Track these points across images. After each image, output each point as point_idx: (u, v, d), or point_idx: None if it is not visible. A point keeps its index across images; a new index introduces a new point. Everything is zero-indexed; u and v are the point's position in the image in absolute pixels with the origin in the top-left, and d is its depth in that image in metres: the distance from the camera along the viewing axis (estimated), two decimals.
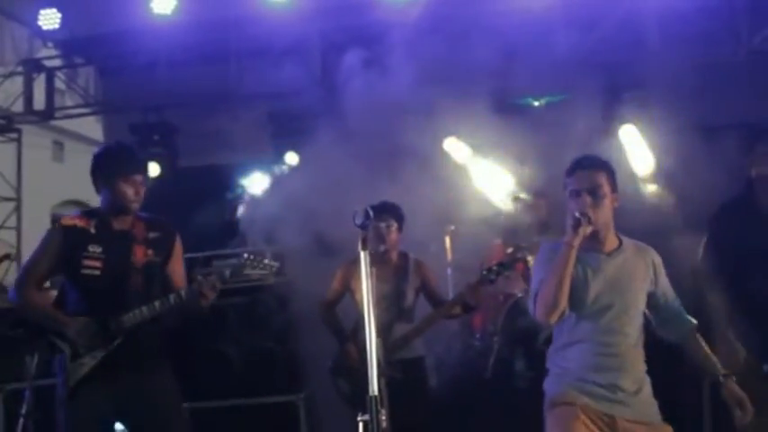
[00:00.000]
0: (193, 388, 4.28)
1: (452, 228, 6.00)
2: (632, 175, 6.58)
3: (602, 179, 2.77)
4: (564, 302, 2.68)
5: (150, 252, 3.20)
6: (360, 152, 5.90)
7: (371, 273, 3.84)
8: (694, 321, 2.90)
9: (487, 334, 5.84)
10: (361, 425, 2.14)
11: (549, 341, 5.58)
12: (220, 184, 7.37)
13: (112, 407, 3.09)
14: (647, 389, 2.77)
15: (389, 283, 4.18)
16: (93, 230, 3.19)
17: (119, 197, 3.16)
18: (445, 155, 6.35)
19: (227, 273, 3.19)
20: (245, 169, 7.25)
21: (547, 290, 2.68)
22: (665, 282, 2.87)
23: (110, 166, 3.20)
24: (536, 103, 6.47)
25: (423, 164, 5.68)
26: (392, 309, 4.16)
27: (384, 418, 2.19)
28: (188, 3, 6.75)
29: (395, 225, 4.25)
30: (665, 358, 3.12)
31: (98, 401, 3.04)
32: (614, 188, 2.81)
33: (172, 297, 3.12)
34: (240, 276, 3.32)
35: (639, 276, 2.81)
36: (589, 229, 2.69)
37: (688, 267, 3.96)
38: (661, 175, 6.59)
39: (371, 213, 2.25)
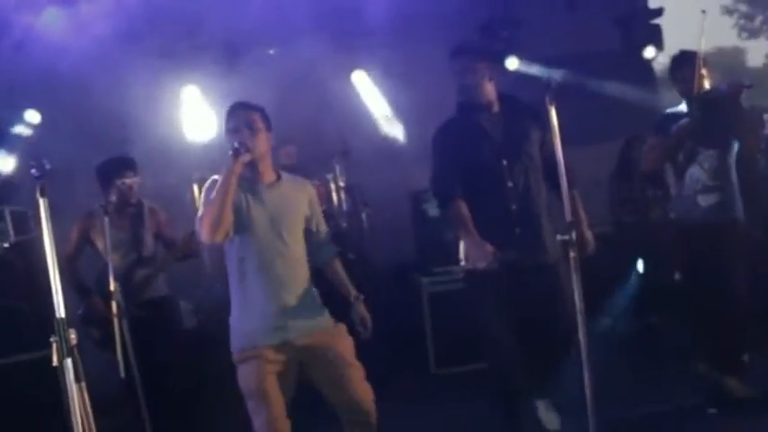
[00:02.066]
0: None
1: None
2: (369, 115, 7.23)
3: (257, 117, 3.20)
4: (227, 222, 3.05)
5: None
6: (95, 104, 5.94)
7: (105, 222, 4.11)
8: (336, 249, 3.47)
9: None
10: (54, 345, 2.39)
11: None
12: None
13: None
14: (311, 300, 3.22)
15: (126, 231, 4.42)
16: None
17: None
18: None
19: None
20: None
21: (211, 210, 3.02)
22: (318, 212, 3.39)
23: None
24: (270, 52, 6.80)
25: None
26: (131, 254, 4.41)
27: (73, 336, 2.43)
28: None
29: (136, 179, 4.46)
30: None
31: None
32: (269, 127, 3.23)
33: None
34: None
35: (298, 206, 3.27)
36: (248, 157, 3.10)
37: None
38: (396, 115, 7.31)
39: (47, 166, 2.39)
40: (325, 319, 3.27)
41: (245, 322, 3.16)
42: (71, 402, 2.36)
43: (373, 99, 7.13)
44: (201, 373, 4.78)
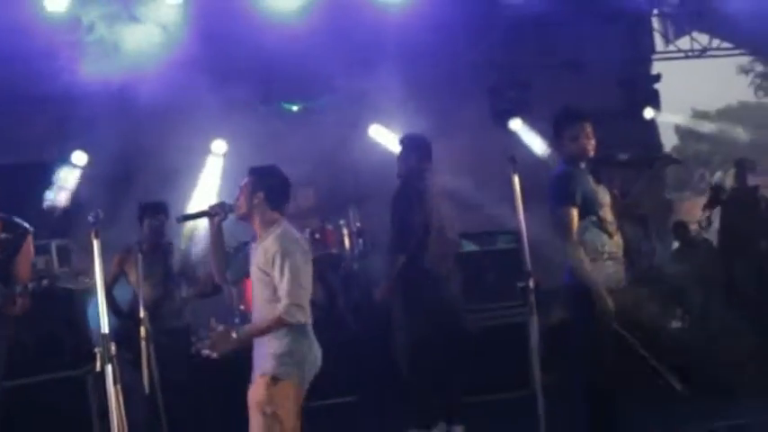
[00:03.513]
0: None
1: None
2: None
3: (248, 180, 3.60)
4: (220, 270, 3.69)
5: None
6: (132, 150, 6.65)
7: (139, 258, 4.73)
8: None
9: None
10: (98, 354, 2.98)
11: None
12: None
13: None
14: (264, 350, 3.46)
15: (156, 266, 5.05)
16: None
17: None
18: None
19: (31, 286, 3.91)
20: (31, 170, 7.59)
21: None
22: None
23: None
24: (294, 108, 7.49)
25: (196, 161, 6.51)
26: (159, 287, 5.03)
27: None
28: None
29: (163, 219, 5.11)
30: None
31: None
32: (257, 189, 3.54)
33: None
34: None
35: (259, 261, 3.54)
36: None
37: None
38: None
39: (100, 214, 3.04)
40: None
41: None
42: (109, 400, 2.90)
43: (390, 149, 7.73)
44: (214, 394, 5.33)
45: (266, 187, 3.56)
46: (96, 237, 2.95)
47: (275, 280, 3.40)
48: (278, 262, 3.39)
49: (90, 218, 2.98)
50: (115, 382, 2.97)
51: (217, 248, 3.64)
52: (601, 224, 4.03)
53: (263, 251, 3.46)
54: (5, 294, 3.84)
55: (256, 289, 3.52)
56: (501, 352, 5.78)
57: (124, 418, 3.06)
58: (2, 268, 3.94)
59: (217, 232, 3.64)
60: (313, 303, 3.71)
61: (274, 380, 3.42)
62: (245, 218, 3.59)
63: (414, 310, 4.98)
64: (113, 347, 2.99)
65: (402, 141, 5.34)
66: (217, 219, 3.63)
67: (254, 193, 3.54)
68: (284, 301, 3.37)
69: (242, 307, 6.43)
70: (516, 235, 5.92)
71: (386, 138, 7.74)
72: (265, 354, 3.48)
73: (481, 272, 6.15)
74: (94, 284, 4.03)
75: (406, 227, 4.96)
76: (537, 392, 3.56)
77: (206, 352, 3.68)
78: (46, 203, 7.30)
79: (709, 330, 6.24)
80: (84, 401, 5.69)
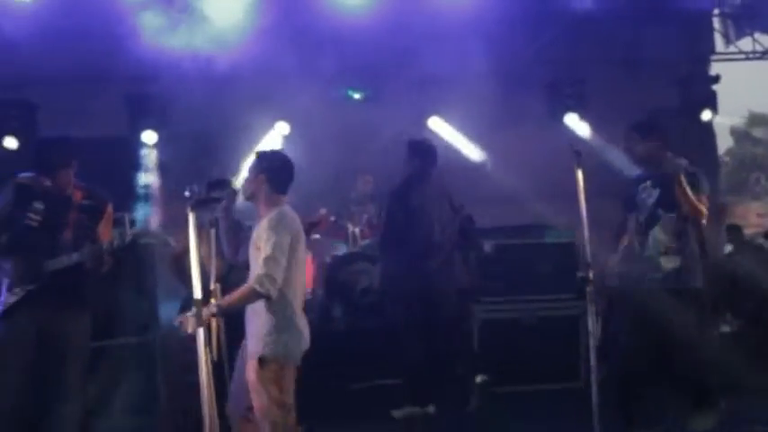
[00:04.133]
0: None
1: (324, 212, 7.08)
2: None
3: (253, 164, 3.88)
4: None
5: (83, 216, 4.09)
6: (206, 131, 6.92)
7: (211, 233, 4.97)
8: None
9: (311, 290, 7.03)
10: (189, 318, 3.20)
11: (365, 292, 6.92)
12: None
13: (34, 330, 4.01)
14: (251, 329, 3.72)
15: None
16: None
17: None
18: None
19: (116, 242, 4.14)
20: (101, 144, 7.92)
21: None
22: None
23: None
24: (356, 96, 7.67)
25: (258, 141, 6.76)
26: (226, 261, 5.26)
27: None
28: None
29: (233, 196, 5.35)
30: None
31: (23, 324, 3.96)
32: (260, 171, 3.81)
33: (74, 254, 4.07)
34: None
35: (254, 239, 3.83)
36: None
37: None
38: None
39: (197, 189, 3.28)
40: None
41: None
42: (200, 361, 3.13)
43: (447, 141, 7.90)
44: None
45: (269, 170, 3.79)
46: (192, 210, 3.17)
47: (261, 255, 3.62)
48: (264, 237, 3.64)
49: (186, 192, 3.21)
50: (206, 344, 3.19)
51: (226, 229, 3.94)
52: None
53: (259, 230, 3.72)
54: (94, 251, 4.10)
55: (252, 265, 3.74)
56: (552, 343, 5.91)
57: (212, 381, 3.28)
58: (90, 232, 4.21)
59: (225, 215, 3.95)
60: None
61: (261, 361, 3.62)
62: (251, 199, 3.85)
63: (395, 300, 5.63)
64: (206, 312, 3.20)
65: (409, 146, 5.75)
66: (224, 202, 3.92)
67: (257, 176, 3.79)
68: (258, 271, 3.58)
69: None
70: (564, 230, 6.16)
71: (444, 130, 7.89)
72: (252, 333, 3.74)
73: (532, 264, 6.28)
74: (173, 240, 4.36)
75: (394, 225, 5.56)
76: (592, 383, 3.69)
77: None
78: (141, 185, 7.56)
79: (757, 336, 6.26)
80: (150, 366, 6.02)
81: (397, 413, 5.54)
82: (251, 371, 3.65)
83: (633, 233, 4.34)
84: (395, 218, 5.62)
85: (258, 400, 3.62)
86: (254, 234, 3.76)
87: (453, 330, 5.73)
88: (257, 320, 3.67)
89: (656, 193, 4.27)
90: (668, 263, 4.20)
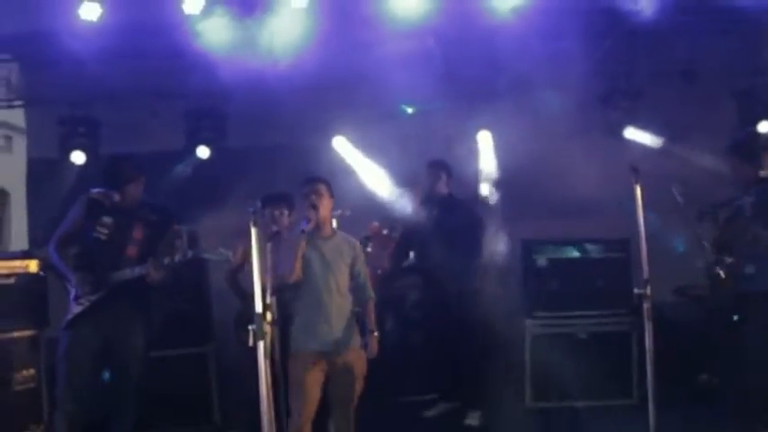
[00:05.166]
0: None
1: (340, 212, 7.22)
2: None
3: (323, 189, 4.38)
4: (298, 270, 4.23)
5: (148, 230, 4.24)
6: (263, 145, 7.07)
7: (267, 247, 5.08)
8: (372, 295, 4.55)
9: None
10: (251, 333, 3.30)
11: (416, 305, 6.97)
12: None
13: (100, 339, 4.18)
14: (348, 326, 4.38)
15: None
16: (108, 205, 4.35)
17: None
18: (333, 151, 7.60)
19: (178, 257, 4.31)
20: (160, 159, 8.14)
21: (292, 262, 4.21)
22: (361, 262, 4.48)
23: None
24: (409, 110, 7.74)
25: (314, 158, 6.87)
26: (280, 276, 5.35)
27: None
28: (112, 10, 7.56)
29: (286, 211, 5.45)
30: None
31: (88, 333, 4.14)
32: (331, 195, 4.49)
33: (137, 268, 4.23)
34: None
35: (343, 256, 4.45)
36: (310, 227, 4.25)
37: None
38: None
39: (260, 204, 3.41)
40: (355, 341, 4.39)
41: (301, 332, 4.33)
42: (260, 372, 3.21)
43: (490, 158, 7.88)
44: None
45: (332, 195, 4.55)
46: (255, 225, 3.29)
47: (360, 272, 4.53)
48: (361, 259, 4.56)
49: (249, 208, 3.32)
50: (266, 357, 3.27)
51: (299, 256, 4.34)
52: None
53: (346, 247, 4.47)
54: (156, 265, 4.25)
55: (339, 277, 4.41)
56: (604, 359, 5.85)
57: (271, 393, 3.36)
58: (154, 247, 4.37)
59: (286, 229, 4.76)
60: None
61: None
62: (320, 221, 4.40)
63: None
64: (268, 324, 3.28)
65: (430, 165, 6.28)
66: (304, 235, 4.34)
67: (330, 199, 4.50)
68: (368, 284, 4.62)
69: None
70: (619, 244, 6.12)
71: (489, 144, 7.89)
72: (347, 329, 4.42)
73: (587, 279, 6.24)
74: (232, 256, 4.52)
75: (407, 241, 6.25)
76: (649, 400, 3.65)
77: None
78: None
79: None
80: (204, 377, 6.16)
81: (429, 413, 5.86)
82: (361, 360, 4.39)
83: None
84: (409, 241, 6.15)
85: (360, 386, 4.38)
86: (340, 247, 4.45)
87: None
88: (349, 318, 4.39)
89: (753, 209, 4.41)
90: None
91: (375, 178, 7.64)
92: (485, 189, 7.72)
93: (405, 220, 6.43)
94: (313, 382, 4.26)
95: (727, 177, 7.33)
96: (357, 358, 4.41)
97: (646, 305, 3.65)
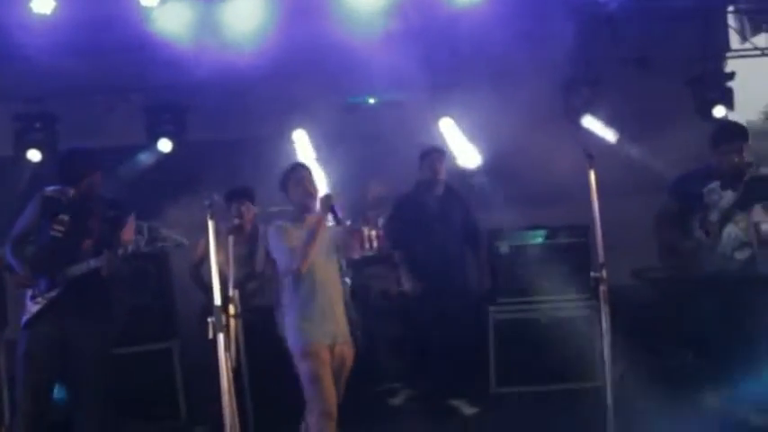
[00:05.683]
0: None
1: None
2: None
3: (311, 175, 4.42)
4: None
5: (104, 224, 4.23)
6: (224, 139, 7.02)
7: (229, 240, 5.06)
8: (347, 282, 4.91)
9: None
10: (210, 324, 3.28)
11: (382, 295, 6.97)
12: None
13: (59, 337, 4.12)
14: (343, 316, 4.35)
15: (243, 248, 5.37)
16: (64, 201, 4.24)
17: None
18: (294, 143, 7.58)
19: (131, 248, 4.25)
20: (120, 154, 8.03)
21: (309, 251, 4.11)
22: (341, 252, 4.47)
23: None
24: (371, 101, 7.73)
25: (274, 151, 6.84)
26: (245, 268, 5.35)
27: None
28: (66, 3, 7.42)
29: (248, 204, 5.45)
30: None
31: (47, 332, 4.07)
32: None
33: (91, 261, 4.17)
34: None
35: (332, 243, 4.36)
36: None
37: None
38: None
39: (217, 197, 3.38)
40: (347, 332, 4.40)
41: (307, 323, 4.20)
42: (221, 366, 3.20)
43: (458, 144, 7.90)
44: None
45: None
46: (211, 218, 3.26)
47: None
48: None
49: (206, 202, 3.30)
50: (226, 349, 3.26)
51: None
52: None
53: (337, 234, 4.34)
54: (110, 257, 4.21)
55: (329, 262, 4.35)
56: (568, 343, 5.95)
57: (233, 387, 3.36)
58: (109, 238, 4.33)
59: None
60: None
61: None
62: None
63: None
64: (227, 316, 3.27)
65: (435, 150, 6.21)
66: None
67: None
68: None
69: None
70: (581, 230, 6.20)
71: (454, 132, 7.90)
72: (341, 320, 4.39)
73: (548, 264, 6.32)
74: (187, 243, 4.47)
75: (393, 230, 6.17)
76: (607, 382, 3.72)
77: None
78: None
79: None
80: (169, 372, 6.12)
81: (394, 401, 5.97)
82: (351, 352, 4.35)
83: (700, 231, 4.74)
84: (401, 223, 6.01)
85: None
86: (335, 235, 4.35)
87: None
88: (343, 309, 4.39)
89: (729, 194, 4.68)
90: (741, 255, 4.66)
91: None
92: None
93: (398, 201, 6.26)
94: (331, 378, 4.16)
95: (682, 164, 7.60)
96: (349, 350, 4.37)
97: (602, 288, 3.71)
